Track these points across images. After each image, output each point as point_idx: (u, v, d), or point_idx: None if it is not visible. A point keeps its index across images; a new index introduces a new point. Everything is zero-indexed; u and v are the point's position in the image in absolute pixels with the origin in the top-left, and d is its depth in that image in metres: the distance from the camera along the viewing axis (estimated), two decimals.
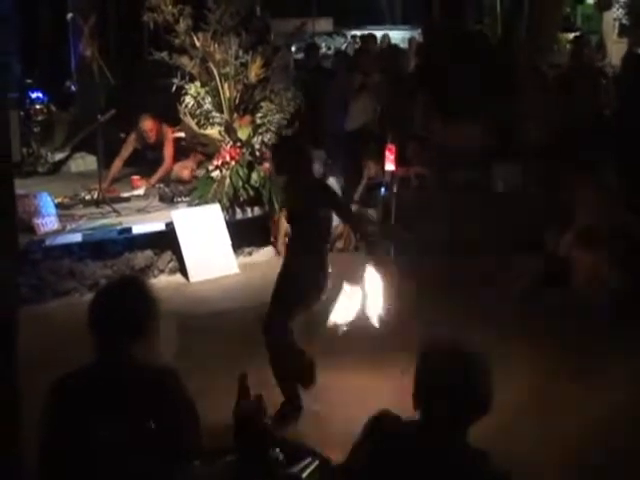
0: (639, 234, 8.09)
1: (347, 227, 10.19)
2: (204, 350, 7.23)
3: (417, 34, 19.89)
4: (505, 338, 7.19)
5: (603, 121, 10.23)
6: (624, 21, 18.93)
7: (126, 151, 11.21)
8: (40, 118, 13.12)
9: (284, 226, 10.08)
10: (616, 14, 19.24)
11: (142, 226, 9.51)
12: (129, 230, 9.40)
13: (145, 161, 11.34)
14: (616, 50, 18.12)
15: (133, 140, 11.22)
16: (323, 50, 18.55)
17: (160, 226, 9.61)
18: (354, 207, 10.26)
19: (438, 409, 3.09)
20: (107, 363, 3.43)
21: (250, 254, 10.29)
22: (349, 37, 22.32)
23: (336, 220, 10.05)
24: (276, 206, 10.09)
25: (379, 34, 20.58)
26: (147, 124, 11.04)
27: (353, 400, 6.17)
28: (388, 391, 5.95)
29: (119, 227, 9.39)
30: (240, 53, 10.29)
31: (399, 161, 9.74)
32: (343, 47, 20.55)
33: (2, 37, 9.42)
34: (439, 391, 3.10)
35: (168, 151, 11.11)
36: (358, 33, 21.57)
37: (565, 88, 10.68)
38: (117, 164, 11.09)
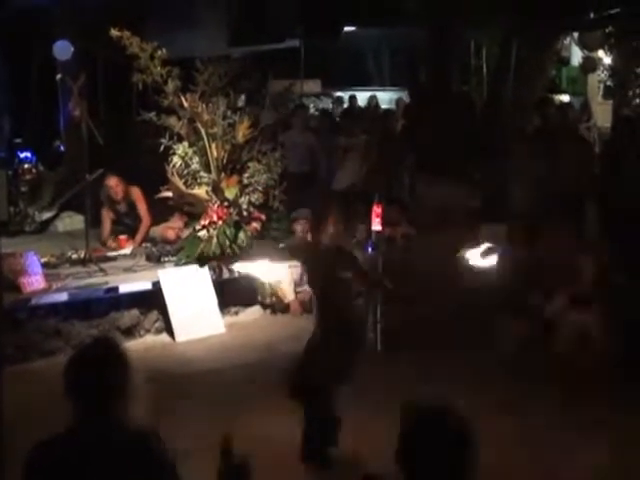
0: (626, 296, 8.09)
1: None
2: (189, 411, 7.19)
3: (404, 95, 20.09)
4: (490, 401, 7.19)
5: (588, 183, 10.29)
6: (608, 83, 19.16)
7: (106, 227, 11.35)
8: (28, 177, 13.18)
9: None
10: (600, 77, 19.48)
11: (129, 285, 9.48)
12: (115, 289, 9.37)
13: (125, 226, 11.39)
14: (601, 112, 18.34)
15: (106, 212, 11.36)
16: (311, 111, 18.67)
17: (147, 285, 9.58)
18: None
19: (423, 471, 3.08)
20: (85, 428, 3.39)
21: (236, 313, 10.24)
22: (335, 98, 22.51)
23: None
24: None
25: (367, 95, 20.78)
26: (111, 180, 11.15)
27: None
28: None
29: (105, 286, 9.37)
30: (228, 113, 10.37)
31: (386, 221, 9.75)
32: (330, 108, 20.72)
33: None
34: (423, 454, 3.09)
35: (142, 208, 11.23)
36: (344, 95, 21.79)
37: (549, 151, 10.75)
38: (105, 240, 11.23)
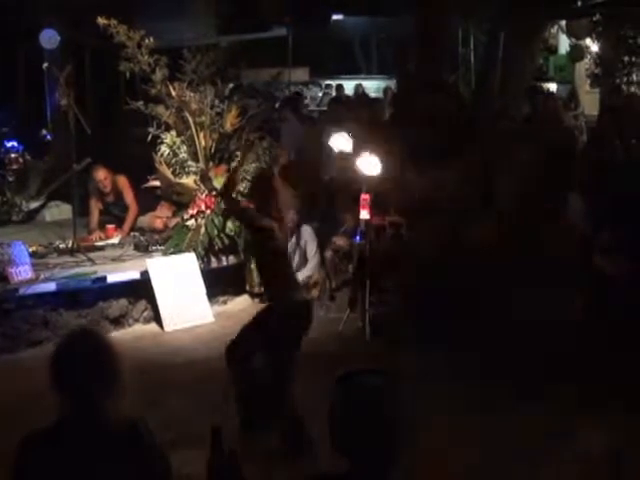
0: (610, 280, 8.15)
1: (322, 276, 10.21)
2: (178, 400, 7.18)
3: (392, 84, 20.07)
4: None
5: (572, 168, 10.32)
6: (596, 72, 19.18)
7: (94, 217, 11.24)
8: (15, 167, 13.12)
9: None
10: (588, 65, 19.50)
11: (117, 275, 9.46)
12: (104, 279, 9.35)
13: (113, 216, 11.33)
14: (589, 100, 18.36)
15: (94, 202, 11.24)
16: None
17: (135, 275, 9.57)
18: (329, 255, 10.27)
19: (365, 453, 2.83)
20: (74, 418, 3.37)
21: (225, 303, 10.26)
22: (324, 86, 22.50)
23: (310, 270, 10.16)
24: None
25: (353, 84, 20.77)
26: (100, 174, 11.01)
27: None
28: None
29: (93, 276, 9.34)
30: (216, 102, 10.35)
31: (374, 209, 9.75)
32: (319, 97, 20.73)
33: None
34: (362, 434, 2.82)
35: (129, 196, 11.14)
36: (333, 83, 21.79)
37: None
38: (92, 230, 11.12)
